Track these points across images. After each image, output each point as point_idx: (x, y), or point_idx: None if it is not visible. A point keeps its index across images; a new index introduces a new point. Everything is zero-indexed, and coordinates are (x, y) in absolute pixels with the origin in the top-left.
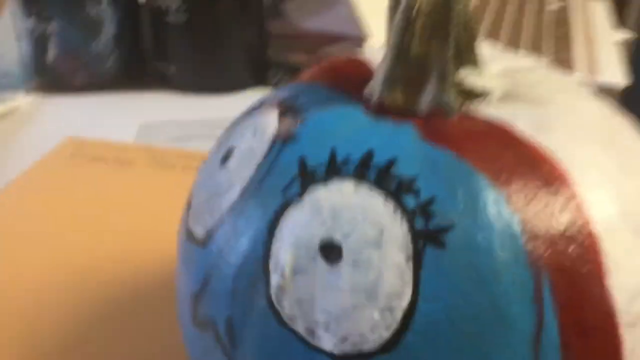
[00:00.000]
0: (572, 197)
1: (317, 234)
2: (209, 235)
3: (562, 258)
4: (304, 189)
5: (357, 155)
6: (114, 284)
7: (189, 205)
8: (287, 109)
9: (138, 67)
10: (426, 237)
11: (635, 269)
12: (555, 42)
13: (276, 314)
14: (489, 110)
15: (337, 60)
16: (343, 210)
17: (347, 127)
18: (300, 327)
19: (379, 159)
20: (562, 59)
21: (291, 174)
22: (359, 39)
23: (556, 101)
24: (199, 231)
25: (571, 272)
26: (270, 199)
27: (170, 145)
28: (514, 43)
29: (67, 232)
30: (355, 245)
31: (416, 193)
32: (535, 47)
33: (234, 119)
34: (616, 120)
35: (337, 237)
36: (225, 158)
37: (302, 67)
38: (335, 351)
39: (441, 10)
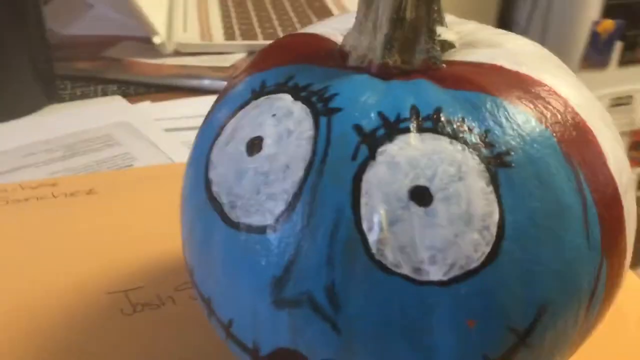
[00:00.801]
0: (566, 104)
1: (404, 185)
2: (282, 218)
3: (582, 153)
4: (373, 151)
5: (404, 112)
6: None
7: (221, 207)
8: (298, 90)
9: None
10: (495, 162)
11: (612, 150)
12: (318, 15)
13: (380, 265)
14: (466, 57)
15: (293, 40)
16: (419, 159)
17: (374, 92)
18: (406, 270)
19: (425, 111)
20: None
21: (353, 142)
22: (143, 38)
23: (505, 43)
24: (263, 220)
25: (590, 163)
26: (343, 167)
27: None
28: (283, 21)
29: None
30: (442, 184)
31: (471, 130)
32: (304, 22)
33: (210, 120)
34: (544, 51)
35: (422, 182)
36: (254, 147)
37: (90, 73)
38: (444, 278)
39: None
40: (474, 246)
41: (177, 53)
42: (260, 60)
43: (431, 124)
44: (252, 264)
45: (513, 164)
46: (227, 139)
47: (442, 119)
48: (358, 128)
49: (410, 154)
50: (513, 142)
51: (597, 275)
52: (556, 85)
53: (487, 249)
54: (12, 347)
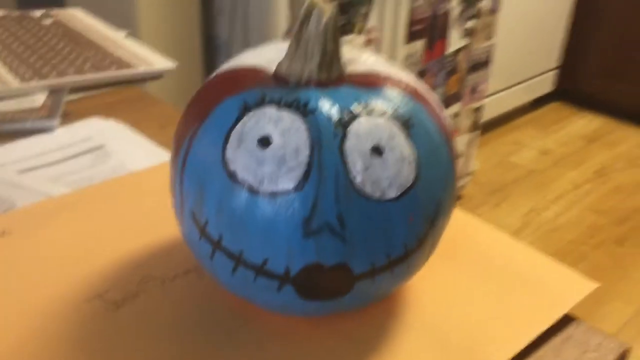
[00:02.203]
0: (412, 85)
1: (367, 147)
2: (305, 177)
3: (432, 111)
4: (344, 131)
5: (352, 105)
6: None
7: (250, 186)
8: (277, 103)
9: None
10: (406, 125)
11: (435, 102)
12: (89, 50)
13: (363, 195)
14: (355, 69)
15: (240, 73)
16: (370, 131)
17: (324, 96)
18: (377, 195)
19: (362, 102)
20: (114, 60)
21: (331, 128)
22: None
23: (364, 58)
24: (289, 185)
25: (435, 115)
26: (331, 143)
27: None
28: (63, 58)
29: None
30: (386, 142)
31: (387, 110)
32: (79, 54)
33: (199, 138)
34: (380, 56)
35: (375, 143)
36: (265, 143)
37: None
38: (396, 195)
39: (335, 24)
40: (408, 174)
41: None
42: (221, 89)
43: (368, 110)
44: (287, 213)
45: (414, 125)
46: (237, 142)
47: (372, 106)
48: (330, 119)
49: (365, 129)
50: (409, 113)
51: (454, 183)
52: (401, 76)
53: (414, 174)
54: None
